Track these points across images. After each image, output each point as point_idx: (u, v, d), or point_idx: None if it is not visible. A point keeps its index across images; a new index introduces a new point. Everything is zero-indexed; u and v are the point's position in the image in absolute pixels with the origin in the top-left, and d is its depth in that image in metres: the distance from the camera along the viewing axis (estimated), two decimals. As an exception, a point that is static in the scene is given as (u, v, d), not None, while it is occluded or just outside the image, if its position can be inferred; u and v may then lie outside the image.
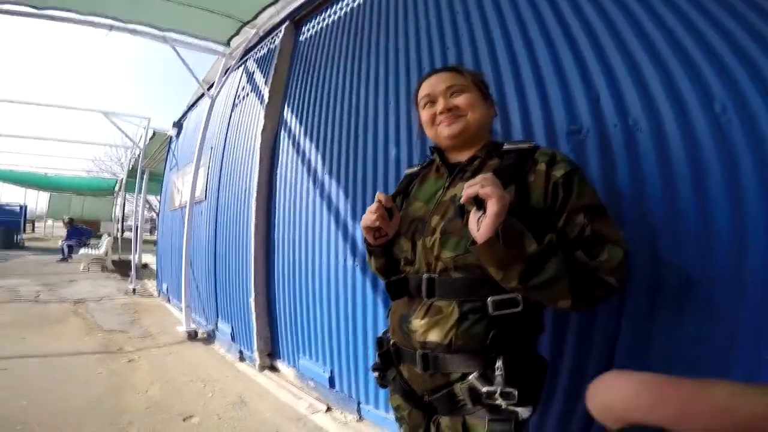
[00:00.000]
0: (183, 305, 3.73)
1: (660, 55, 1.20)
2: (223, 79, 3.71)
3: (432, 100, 0.93)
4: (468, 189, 0.69)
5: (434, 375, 0.83)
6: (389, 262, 0.95)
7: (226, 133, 3.68)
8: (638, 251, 1.10)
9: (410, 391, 0.92)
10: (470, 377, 0.78)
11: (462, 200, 0.71)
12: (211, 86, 3.87)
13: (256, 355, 2.82)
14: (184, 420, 2.08)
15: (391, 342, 0.94)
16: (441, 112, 0.90)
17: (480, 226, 0.69)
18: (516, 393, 0.74)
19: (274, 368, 2.81)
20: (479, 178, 0.70)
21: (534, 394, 0.80)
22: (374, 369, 1.00)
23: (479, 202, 0.69)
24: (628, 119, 1.23)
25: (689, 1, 1.18)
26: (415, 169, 1.06)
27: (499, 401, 0.74)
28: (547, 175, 0.79)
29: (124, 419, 2.06)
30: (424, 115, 0.96)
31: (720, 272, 1.05)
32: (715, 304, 1.07)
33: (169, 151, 6.05)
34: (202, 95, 4.45)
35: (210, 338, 3.67)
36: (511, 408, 0.74)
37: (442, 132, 0.91)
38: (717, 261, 1.06)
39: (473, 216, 0.71)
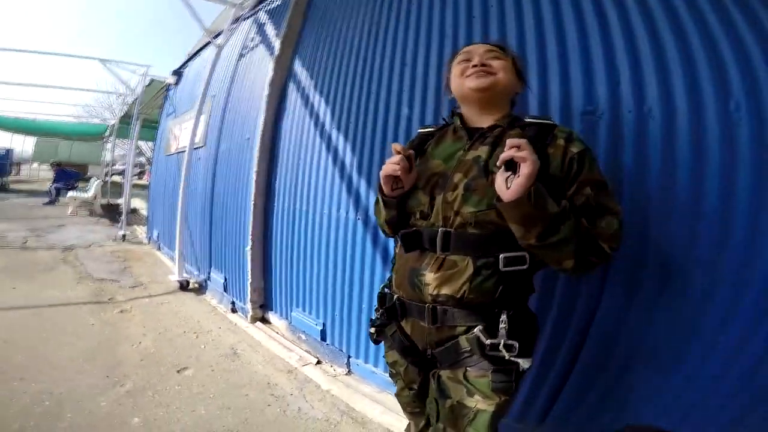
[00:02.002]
0: (176, 254, 3.74)
1: (689, 45, 1.21)
2: (232, 28, 3.65)
3: (468, 58, 0.97)
4: (506, 153, 0.75)
5: (441, 328, 0.88)
6: (399, 216, 0.97)
7: (231, 82, 3.62)
8: (629, 232, 1.15)
9: (408, 346, 0.97)
10: (475, 329, 0.84)
11: (498, 162, 0.77)
12: (217, 36, 3.83)
13: (248, 306, 2.88)
14: (178, 372, 2.11)
15: (395, 297, 0.97)
16: (475, 65, 0.94)
17: (510, 185, 0.74)
18: (517, 345, 0.80)
19: (265, 320, 2.88)
20: (517, 141, 0.75)
21: (530, 348, 0.87)
22: (373, 324, 1.04)
23: (509, 164, 0.75)
24: (643, 107, 1.26)
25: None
26: (430, 129, 1.08)
27: (503, 353, 0.81)
28: (565, 150, 0.85)
29: (120, 371, 2.06)
30: (457, 69, 0.99)
31: (702, 259, 1.14)
32: (691, 288, 1.16)
33: (166, 98, 6.04)
34: (206, 45, 4.41)
35: (202, 288, 3.69)
36: (513, 359, 0.81)
37: (469, 83, 0.94)
38: (701, 249, 1.14)
39: (501, 176, 0.77)
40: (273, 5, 3.30)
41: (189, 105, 4.48)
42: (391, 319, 1.00)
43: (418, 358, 0.97)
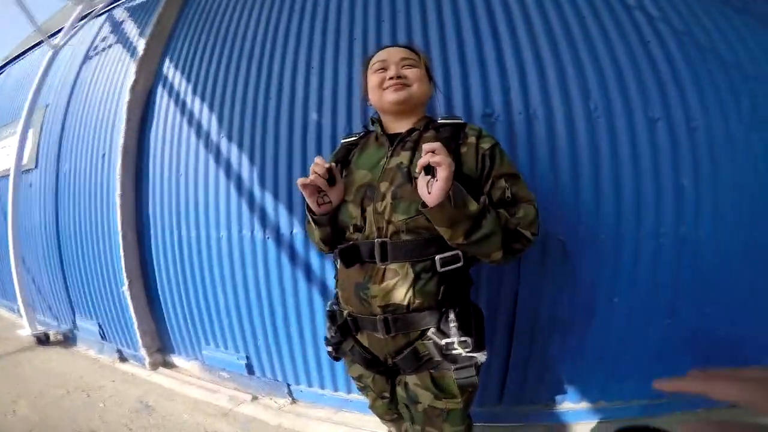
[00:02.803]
0: (21, 304, 2.98)
1: (561, 55, 1.49)
2: (76, 27, 3.07)
3: (385, 67, 0.97)
4: (422, 159, 0.75)
5: (396, 337, 0.88)
6: (334, 232, 0.94)
7: (72, 89, 2.95)
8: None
9: (371, 358, 0.95)
10: (429, 332, 0.85)
11: (417, 168, 0.77)
12: (53, 35, 3.18)
13: (143, 353, 2.44)
14: (86, 439, 1.72)
15: (345, 313, 0.95)
16: (391, 78, 0.94)
17: (431, 190, 0.75)
18: (470, 341, 0.83)
19: (169, 365, 2.49)
20: (431, 146, 0.74)
21: (482, 340, 0.90)
22: (329, 343, 1.00)
23: (428, 169, 0.76)
24: (530, 109, 1.48)
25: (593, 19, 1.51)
26: (353, 138, 1.07)
27: (458, 350, 0.82)
28: (476, 147, 0.90)
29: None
30: (374, 78, 0.98)
31: (585, 237, 1.43)
32: (579, 261, 1.45)
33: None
34: (36, 45, 3.68)
35: (69, 340, 3.04)
36: (470, 354, 0.83)
37: (388, 97, 0.95)
38: (584, 228, 1.43)
39: (422, 181, 0.78)
40: (136, 1, 2.82)
41: (8, 118, 3.60)
42: (346, 336, 0.97)
43: (382, 368, 0.96)
